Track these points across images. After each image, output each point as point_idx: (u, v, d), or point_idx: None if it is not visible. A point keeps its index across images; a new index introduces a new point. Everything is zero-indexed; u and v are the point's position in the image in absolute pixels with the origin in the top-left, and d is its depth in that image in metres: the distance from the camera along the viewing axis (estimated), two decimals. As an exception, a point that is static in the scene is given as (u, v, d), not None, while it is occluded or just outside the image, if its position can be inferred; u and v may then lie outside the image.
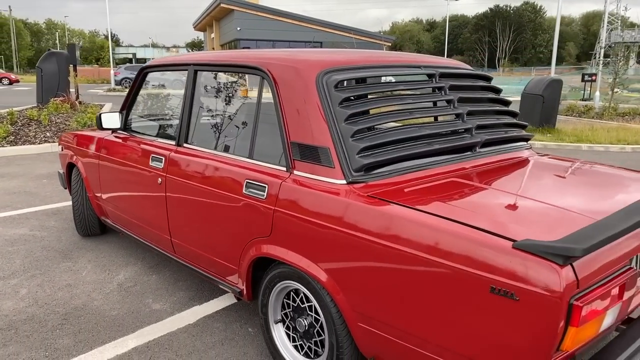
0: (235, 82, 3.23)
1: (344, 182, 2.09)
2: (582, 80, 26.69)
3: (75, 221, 4.24)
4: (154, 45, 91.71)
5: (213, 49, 50.89)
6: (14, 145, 8.32)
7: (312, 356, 2.32)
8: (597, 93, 19.49)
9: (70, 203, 4.37)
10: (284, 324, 2.46)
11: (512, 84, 36.36)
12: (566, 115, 18.03)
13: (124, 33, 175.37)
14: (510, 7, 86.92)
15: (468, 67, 3.05)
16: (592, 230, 1.56)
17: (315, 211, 2.10)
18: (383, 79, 2.72)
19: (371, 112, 2.40)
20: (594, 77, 23.69)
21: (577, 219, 1.78)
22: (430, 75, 2.63)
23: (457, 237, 1.67)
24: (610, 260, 1.62)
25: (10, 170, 7.03)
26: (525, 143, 2.95)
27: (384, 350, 1.94)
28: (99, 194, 3.82)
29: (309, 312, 2.30)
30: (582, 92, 26.76)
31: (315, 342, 2.29)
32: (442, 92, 2.59)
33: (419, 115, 2.46)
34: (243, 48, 40.52)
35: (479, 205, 1.93)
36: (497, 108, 2.87)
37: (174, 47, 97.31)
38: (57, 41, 77.58)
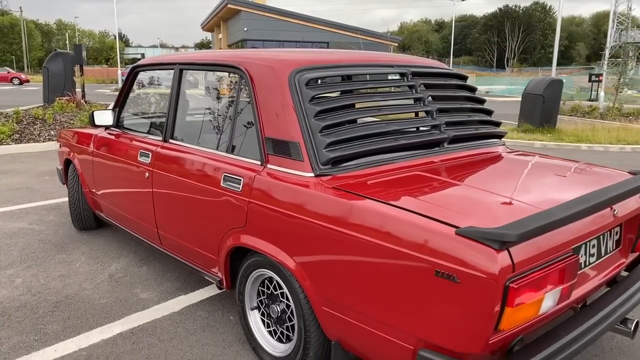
0: (218, 81, 3.36)
1: (312, 174, 2.21)
2: (589, 80, 26.63)
3: (71, 215, 4.39)
4: (163, 46, 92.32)
5: (220, 49, 51.13)
6: (18, 143, 8.52)
7: (284, 340, 2.44)
8: (602, 93, 19.47)
9: (68, 200, 4.53)
10: (259, 311, 2.58)
11: (519, 84, 36.22)
12: (570, 115, 18.02)
13: (133, 33, 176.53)
14: (519, 7, 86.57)
15: (444, 66, 3.15)
16: (531, 219, 1.67)
17: (284, 202, 2.22)
18: (355, 77, 2.83)
19: (341, 109, 2.51)
20: (600, 78, 23.60)
21: (524, 210, 1.89)
22: (402, 74, 2.73)
23: (407, 224, 1.78)
24: (549, 248, 1.72)
25: (14, 167, 7.21)
26: (498, 140, 3.05)
27: (345, 332, 2.06)
28: (93, 189, 3.97)
29: (281, 299, 2.41)
30: (590, 92, 26.73)
31: (287, 327, 2.40)
32: (413, 90, 2.70)
33: (388, 112, 2.57)
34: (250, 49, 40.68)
35: (434, 196, 2.04)
36: (471, 106, 2.97)
37: (183, 47, 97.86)
38: (67, 42, 78.31)
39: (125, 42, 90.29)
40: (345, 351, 2.12)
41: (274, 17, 41.61)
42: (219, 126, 2.89)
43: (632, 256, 2.41)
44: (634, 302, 2.23)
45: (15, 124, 9.24)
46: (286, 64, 2.43)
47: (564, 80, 12.06)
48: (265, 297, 2.52)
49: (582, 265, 2.04)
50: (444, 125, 2.68)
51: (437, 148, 2.62)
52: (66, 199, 5.36)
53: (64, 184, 4.60)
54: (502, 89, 38.34)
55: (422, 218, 1.78)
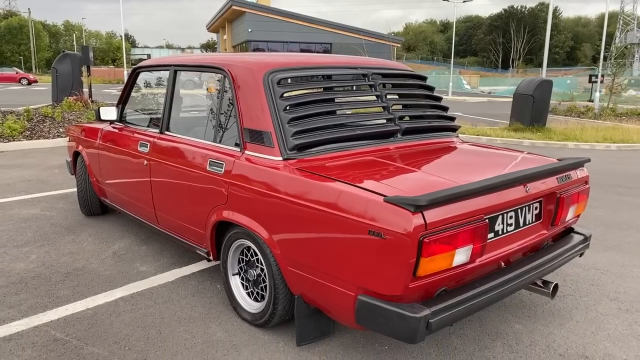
0: (206, 80, 3.81)
1: (281, 158, 2.65)
2: (589, 81, 26.97)
3: (79, 202, 4.86)
4: (169, 47, 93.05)
5: (225, 50, 51.70)
6: (29, 139, 9.02)
7: (259, 300, 2.89)
8: (597, 94, 19.80)
9: (76, 189, 4.99)
10: (239, 276, 3.02)
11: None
12: (565, 115, 18.40)
13: (140, 34, 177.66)
14: (525, 7, 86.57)
15: (406, 68, 3.59)
16: (443, 190, 2.11)
17: (258, 181, 2.66)
18: (321, 77, 3.26)
19: (307, 104, 2.95)
20: (601, 78, 23.92)
21: (446, 185, 2.32)
22: (364, 75, 3.17)
23: (350, 195, 2.22)
24: (460, 213, 2.15)
25: (26, 161, 7.70)
26: (452, 132, 3.48)
27: (305, 287, 2.50)
28: (99, 177, 4.43)
29: (257, 265, 2.86)
30: (590, 93, 27.06)
31: (261, 287, 2.85)
32: (373, 88, 3.14)
33: (349, 107, 3.01)
34: (254, 49, 41.22)
35: (378, 175, 2.48)
36: (427, 102, 3.41)
37: (189, 47, 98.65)
38: (75, 42, 79.13)
39: (132, 43, 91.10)
40: (306, 303, 2.56)
41: (278, 19, 42.10)
42: (206, 119, 3.33)
43: (555, 229, 2.83)
44: (550, 266, 2.67)
45: (26, 122, 9.75)
46: (261, 66, 2.88)
47: (553, 81, 12.43)
48: (244, 264, 2.97)
49: (501, 232, 2.48)
50: (399, 119, 3.12)
51: (392, 138, 3.05)
52: (74, 189, 5.83)
53: (72, 174, 5.07)
54: (504, 90, 38.67)
55: (361, 190, 2.22)
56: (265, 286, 2.80)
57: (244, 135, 2.84)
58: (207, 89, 3.77)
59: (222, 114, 3.09)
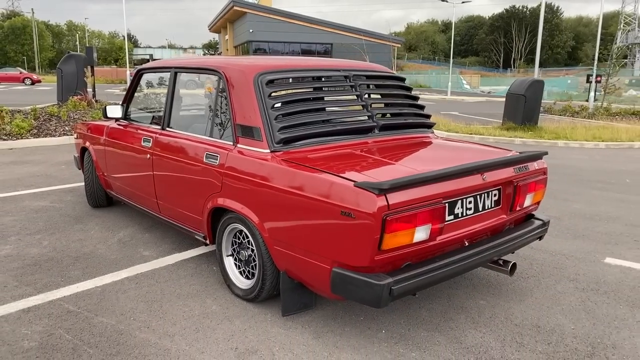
0: (203, 82, 4.16)
1: (268, 151, 2.99)
2: (587, 81, 27.27)
3: (86, 195, 5.21)
4: (171, 47, 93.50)
5: (227, 50, 52.06)
6: (36, 137, 9.39)
7: (250, 277, 3.23)
8: (592, 94, 20.12)
9: (83, 183, 5.33)
10: (233, 257, 3.37)
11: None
12: (560, 115, 18.72)
13: (142, 34, 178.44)
14: (526, 7, 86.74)
15: (387, 70, 3.93)
16: (406, 177, 2.45)
17: (248, 171, 3.01)
18: (306, 78, 3.60)
19: (293, 102, 3.28)
20: (598, 79, 24.20)
21: (409, 172, 2.66)
22: (345, 76, 3.52)
23: (325, 182, 2.56)
24: (420, 197, 2.49)
25: (34, 158, 8.06)
26: (427, 129, 3.81)
27: (289, 263, 2.84)
28: (105, 171, 4.78)
29: (248, 246, 3.20)
30: (587, 93, 27.33)
31: (252, 266, 3.19)
32: (353, 88, 3.48)
33: (332, 105, 3.36)
34: (255, 50, 41.58)
35: (353, 164, 2.82)
36: (405, 101, 3.75)
37: (191, 47, 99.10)
38: (78, 42, 79.67)
39: (134, 43, 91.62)
40: (290, 278, 2.90)
41: (279, 19, 42.45)
42: (204, 116, 3.67)
43: (514, 214, 3.16)
44: (509, 246, 3.01)
45: (33, 120, 10.12)
46: (252, 68, 3.22)
47: (544, 81, 12.75)
48: (237, 246, 3.31)
49: (461, 215, 2.82)
50: (377, 116, 3.46)
51: (370, 133, 3.39)
52: (80, 183, 6.19)
53: (79, 169, 5.41)
54: (504, 90, 38.89)
55: (336, 177, 2.56)
56: (255, 265, 3.14)
57: (236, 130, 3.18)
58: (205, 89, 4.12)
59: (217, 111, 3.43)
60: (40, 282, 3.47)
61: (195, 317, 3.02)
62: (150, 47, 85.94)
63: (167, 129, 3.86)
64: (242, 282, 3.27)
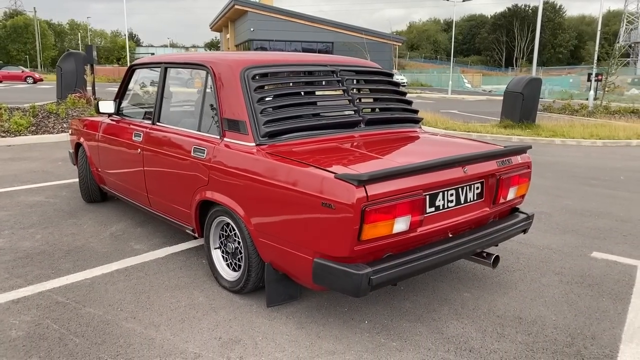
0: (192, 77, 4.20)
1: (254, 144, 3.03)
2: (588, 80, 27.25)
3: (80, 190, 5.26)
4: (173, 45, 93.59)
5: (228, 49, 52.12)
6: (35, 134, 9.45)
7: (237, 269, 3.27)
8: (591, 92, 20.11)
9: (78, 178, 5.40)
10: (220, 249, 3.41)
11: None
12: (559, 113, 18.73)
13: (145, 33, 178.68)
14: (529, 6, 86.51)
15: (375, 65, 3.97)
16: (386, 169, 2.48)
17: (234, 164, 3.05)
18: (292, 73, 3.63)
19: (279, 96, 3.32)
20: (599, 77, 24.19)
21: (391, 164, 2.69)
22: (332, 71, 3.55)
23: (307, 174, 2.61)
24: (399, 188, 2.53)
25: (32, 154, 8.12)
26: (414, 123, 3.85)
27: (273, 254, 2.88)
28: (99, 166, 4.82)
29: (235, 238, 3.24)
30: (588, 91, 27.33)
31: (238, 258, 3.23)
32: (340, 83, 3.52)
33: (318, 99, 3.39)
34: (257, 49, 41.60)
35: (337, 157, 2.86)
36: (392, 96, 3.79)
37: (193, 46, 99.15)
38: (80, 41, 79.82)
39: (137, 42, 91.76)
40: (275, 270, 2.94)
41: (280, 18, 42.49)
42: (192, 111, 3.71)
43: (497, 207, 3.20)
44: (491, 239, 3.05)
45: (31, 118, 10.18)
46: (239, 63, 3.26)
47: (542, 79, 12.76)
48: (224, 238, 3.35)
49: (442, 207, 2.85)
50: (363, 111, 3.50)
51: (356, 127, 3.43)
52: (76, 179, 6.23)
53: (74, 164, 5.46)
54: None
55: (318, 169, 2.60)
56: (242, 257, 3.19)
57: (223, 124, 3.23)
58: (195, 84, 4.17)
59: (205, 106, 3.47)
60: (31, 274, 3.52)
61: (181, 308, 3.06)
62: (152, 46, 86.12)
63: (158, 123, 3.91)
64: (228, 274, 3.31)
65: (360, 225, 2.41)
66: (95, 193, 5.19)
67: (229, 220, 3.20)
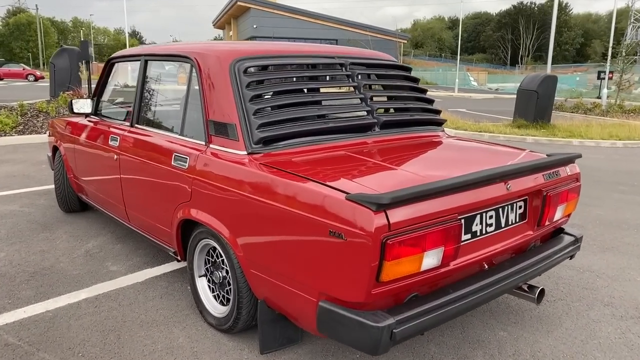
0: (175, 72, 3.63)
1: (245, 153, 2.47)
2: (598, 78, 26.60)
3: (57, 199, 4.70)
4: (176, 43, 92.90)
5: (231, 46, 51.45)
6: (21, 134, 8.89)
7: (225, 303, 2.71)
8: (605, 90, 19.46)
9: (54, 185, 4.85)
10: (206, 277, 2.85)
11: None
12: (572, 112, 18.09)
13: (147, 31, 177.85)
14: (534, 4, 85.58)
15: (389, 58, 3.39)
16: (412, 188, 1.91)
17: (221, 177, 2.49)
18: (292, 66, 3.06)
19: (276, 94, 2.76)
20: (610, 75, 23.54)
21: (416, 180, 2.12)
22: (341, 64, 2.98)
23: (311, 193, 2.04)
24: (429, 213, 1.96)
25: (15, 156, 7.57)
26: (437, 126, 3.27)
27: (268, 291, 2.32)
28: (75, 173, 4.27)
29: (222, 266, 2.68)
30: (599, 90, 26.70)
31: (227, 290, 2.67)
32: (350, 79, 2.94)
33: (323, 98, 2.82)
34: (260, 45, 40.97)
35: (346, 170, 2.29)
36: (411, 94, 3.21)
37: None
38: (82, 39, 79.27)
39: (139, 40, 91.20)
40: (270, 308, 2.37)
41: (283, 14, 41.88)
42: (175, 111, 3.15)
43: (542, 229, 2.62)
44: (536, 270, 2.47)
45: (19, 117, 9.63)
46: (228, 54, 2.69)
47: (557, 77, 12.15)
48: (210, 265, 2.79)
49: (479, 233, 2.28)
50: (378, 112, 2.92)
51: (369, 131, 2.86)
52: (58, 185, 5.69)
53: (53, 169, 4.91)
54: (513, 87, 38.22)
55: (323, 187, 2.03)
56: (231, 289, 2.63)
57: (209, 128, 2.66)
58: (178, 80, 3.59)
59: (189, 105, 2.91)
60: (-17, 304, 2.97)
61: (156, 353, 2.50)
62: (155, 43, 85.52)
63: (136, 126, 3.35)
64: (216, 309, 2.74)
65: (379, 262, 1.84)
66: (73, 202, 4.64)
67: (215, 244, 2.64)
